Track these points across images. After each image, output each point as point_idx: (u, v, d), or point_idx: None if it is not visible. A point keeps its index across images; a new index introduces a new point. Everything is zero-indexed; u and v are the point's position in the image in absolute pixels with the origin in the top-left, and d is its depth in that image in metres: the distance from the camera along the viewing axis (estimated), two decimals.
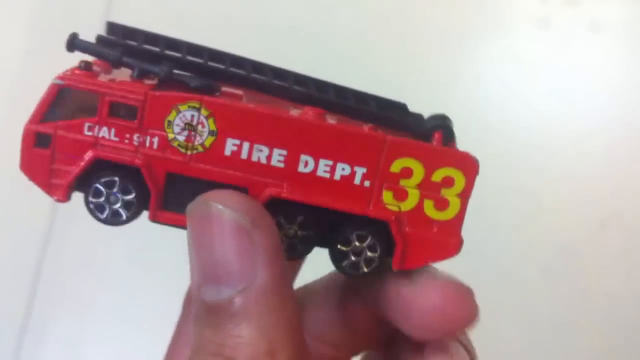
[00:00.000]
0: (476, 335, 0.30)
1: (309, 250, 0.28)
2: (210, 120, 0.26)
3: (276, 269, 0.25)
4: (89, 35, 0.27)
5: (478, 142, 0.67)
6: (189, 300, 0.33)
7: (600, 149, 0.62)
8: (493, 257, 0.59)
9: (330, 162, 0.26)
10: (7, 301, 0.64)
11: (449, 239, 0.27)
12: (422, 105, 0.65)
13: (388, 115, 0.28)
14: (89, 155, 0.26)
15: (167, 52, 0.27)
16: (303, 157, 0.26)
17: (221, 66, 0.28)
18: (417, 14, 0.66)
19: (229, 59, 0.28)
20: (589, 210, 0.60)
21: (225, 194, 0.25)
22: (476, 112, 0.63)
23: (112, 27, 0.28)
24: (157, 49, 0.27)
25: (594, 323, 0.58)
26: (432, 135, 0.27)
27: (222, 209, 0.25)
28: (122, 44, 0.27)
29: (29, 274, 0.64)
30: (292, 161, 0.26)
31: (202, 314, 0.25)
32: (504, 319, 0.33)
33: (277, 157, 0.26)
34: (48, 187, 0.27)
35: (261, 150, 0.26)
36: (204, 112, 0.26)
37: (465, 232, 0.27)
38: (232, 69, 0.28)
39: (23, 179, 0.27)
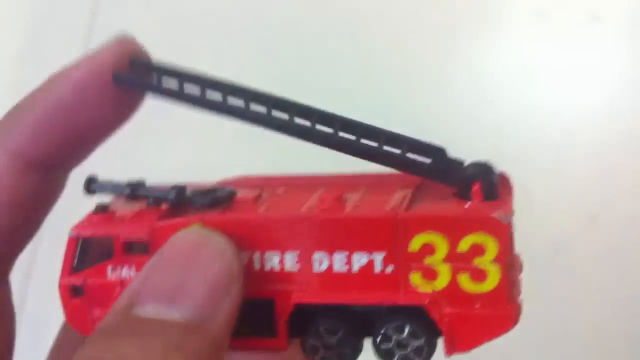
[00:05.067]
0: None
1: (358, 354, 0.26)
2: None
3: (234, 320, 0.23)
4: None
5: (469, 136, 0.68)
6: None
7: (590, 142, 0.62)
8: None
9: (345, 254, 0.24)
10: None
11: (497, 312, 0.24)
12: (415, 101, 0.65)
13: (419, 162, 0.25)
14: (116, 295, 0.26)
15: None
16: (316, 255, 0.25)
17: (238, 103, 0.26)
18: (408, 8, 0.66)
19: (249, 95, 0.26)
20: (579, 203, 0.60)
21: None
22: (468, 106, 0.63)
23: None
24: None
25: (585, 318, 0.58)
26: (471, 186, 0.24)
27: (217, 237, 0.24)
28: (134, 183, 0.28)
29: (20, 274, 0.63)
30: (305, 262, 0.25)
31: (128, 327, 0.22)
32: None
33: (290, 261, 0.25)
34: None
35: (272, 258, 0.25)
36: None
37: None
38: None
39: None
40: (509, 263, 0.24)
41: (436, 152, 0.25)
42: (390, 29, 0.66)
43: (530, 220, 0.62)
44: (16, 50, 0.72)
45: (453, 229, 0.24)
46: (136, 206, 0.27)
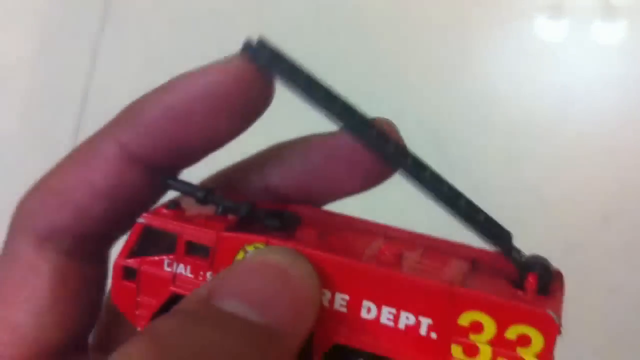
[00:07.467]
0: None
1: None
2: None
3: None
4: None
5: (481, 137, 0.67)
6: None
7: (602, 142, 0.62)
8: None
9: (394, 310, 0.25)
10: None
11: None
12: (426, 100, 0.65)
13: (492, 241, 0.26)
14: (167, 290, 0.27)
15: None
16: (365, 303, 0.26)
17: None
18: (418, 5, 0.66)
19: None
20: (591, 204, 0.60)
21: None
22: (479, 106, 0.63)
23: None
24: None
25: (597, 318, 0.58)
26: (527, 276, 0.25)
27: (307, 264, 0.25)
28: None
29: None
30: (354, 306, 0.26)
31: (209, 315, 0.23)
32: None
33: (340, 302, 0.26)
34: (134, 318, 0.28)
35: (323, 294, 0.26)
36: None
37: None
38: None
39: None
40: None
41: (504, 234, 0.27)
42: (398, 27, 0.65)
43: (544, 221, 0.62)
44: (30, 54, 0.72)
45: (505, 315, 0.24)
46: (205, 211, 0.28)
